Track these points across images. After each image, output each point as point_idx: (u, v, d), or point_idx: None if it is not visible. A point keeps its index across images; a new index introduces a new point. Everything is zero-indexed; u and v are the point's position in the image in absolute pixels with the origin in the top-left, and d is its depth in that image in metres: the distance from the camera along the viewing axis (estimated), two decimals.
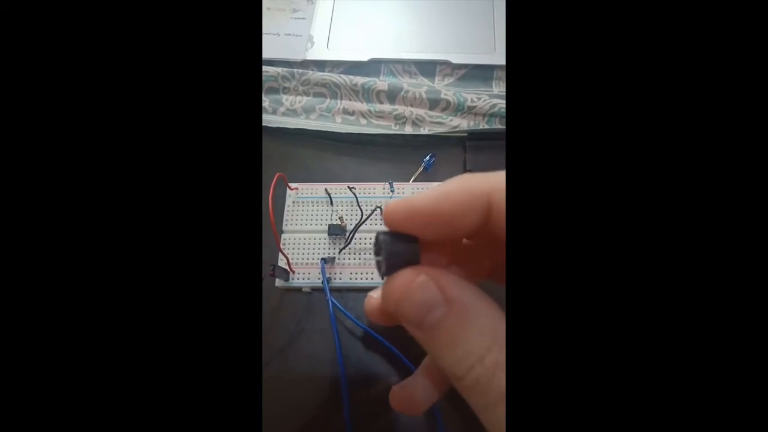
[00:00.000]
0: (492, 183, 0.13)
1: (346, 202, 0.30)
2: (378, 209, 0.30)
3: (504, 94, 0.34)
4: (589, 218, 0.12)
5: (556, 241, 0.12)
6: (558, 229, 0.12)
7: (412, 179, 0.32)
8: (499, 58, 0.35)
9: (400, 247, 0.14)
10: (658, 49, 0.12)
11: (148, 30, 0.13)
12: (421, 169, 0.33)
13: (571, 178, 0.12)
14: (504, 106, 0.33)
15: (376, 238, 0.14)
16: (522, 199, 0.12)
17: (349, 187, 0.30)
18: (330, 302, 0.25)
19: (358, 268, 0.29)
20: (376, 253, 0.15)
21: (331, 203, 0.30)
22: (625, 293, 0.11)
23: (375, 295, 0.17)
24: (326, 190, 0.30)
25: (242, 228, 0.13)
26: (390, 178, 0.32)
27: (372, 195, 0.31)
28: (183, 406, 0.12)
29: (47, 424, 0.12)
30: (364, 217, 0.29)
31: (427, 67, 0.36)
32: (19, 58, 0.12)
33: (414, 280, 0.13)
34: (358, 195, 0.30)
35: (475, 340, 0.12)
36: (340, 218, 0.29)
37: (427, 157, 0.33)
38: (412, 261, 0.14)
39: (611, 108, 0.12)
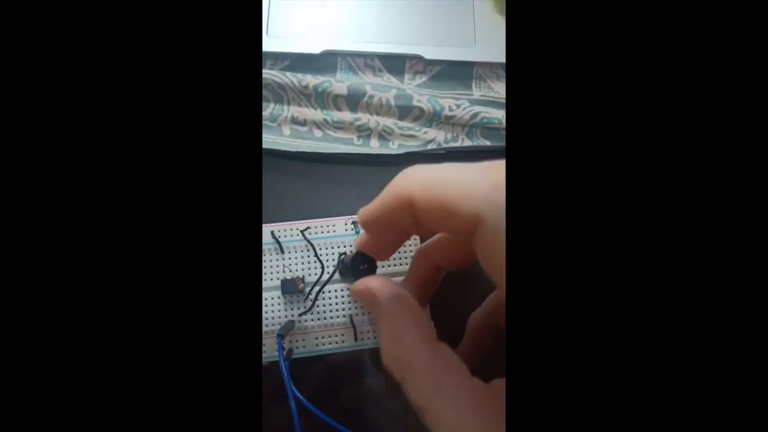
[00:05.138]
0: (414, 184, 0.15)
1: (301, 246, 0.24)
2: (343, 256, 0.24)
3: (486, 98, 0.29)
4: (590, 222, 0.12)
5: (557, 246, 0.12)
6: (558, 236, 0.12)
7: None
8: (479, 53, 0.29)
9: (354, 266, 0.20)
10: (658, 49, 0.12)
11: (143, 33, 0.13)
12: None
13: (572, 184, 0.12)
14: (487, 115, 0.28)
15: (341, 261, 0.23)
16: (523, 203, 0.13)
17: (301, 231, 0.24)
18: (291, 395, 0.20)
19: (325, 330, 0.23)
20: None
21: (282, 251, 0.24)
22: (624, 296, 0.12)
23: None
24: (273, 233, 0.24)
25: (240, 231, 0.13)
26: (353, 206, 0.26)
27: (332, 234, 0.24)
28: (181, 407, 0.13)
29: (47, 424, 0.12)
30: (327, 272, 0.23)
31: (394, 62, 0.29)
32: (19, 59, 0.12)
33: (357, 286, 0.18)
34: (316, 235, 0.24)
35: (385, 339, 0.16)
36: (300, 278, 0.23)
37: None
38: (367, 272, 0.20)
39: (613, 111, 0.12)
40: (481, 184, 0.14)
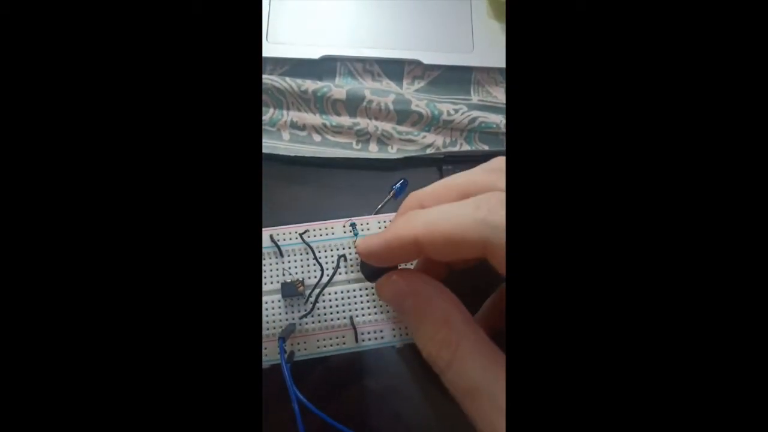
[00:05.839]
0: (419, 225, 0.16)
1: (299, 249, 0.24)
2: (342, 258, 0.24)
3: (484, 103, 0.29)
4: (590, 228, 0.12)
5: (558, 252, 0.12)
6: (559, 240, 0.12)
7: (375, 211, 0.27)
8: (477, 58, 0.29)
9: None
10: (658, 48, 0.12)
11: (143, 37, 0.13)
12: (389, 197, 0.27)
13: (573, 188, 0.12)
14: (485, 119, 0.28)
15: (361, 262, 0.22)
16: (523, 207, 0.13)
17: (300, 234, 0.24)
18: (294, 397, 0.20)
19: (325, 332, 0.23)
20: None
21: (281, 254, 0.24)
22: (624, 299, 0.12)
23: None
24: (272, 237, 0.24)
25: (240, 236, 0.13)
26: (352, 210, 0.26)
27: (330, 237, 0.24)
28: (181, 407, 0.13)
29: (46, 424, 0.12)
30: (326, 275, 0.23)
31: (393, 68, 0.29)
32: (19, 61, 0.12)
33: (388, 279, 0.19)
34: (315, 238, 0.24)
35: (429, 325, 0.16)
36: (300, 281, 0.23)
37: (398, 184, 0.27)
38: (388, 268, 0.19)
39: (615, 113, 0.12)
40: (479, 214, 0.15)
